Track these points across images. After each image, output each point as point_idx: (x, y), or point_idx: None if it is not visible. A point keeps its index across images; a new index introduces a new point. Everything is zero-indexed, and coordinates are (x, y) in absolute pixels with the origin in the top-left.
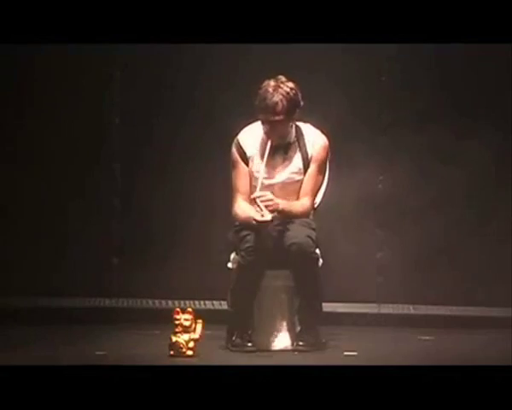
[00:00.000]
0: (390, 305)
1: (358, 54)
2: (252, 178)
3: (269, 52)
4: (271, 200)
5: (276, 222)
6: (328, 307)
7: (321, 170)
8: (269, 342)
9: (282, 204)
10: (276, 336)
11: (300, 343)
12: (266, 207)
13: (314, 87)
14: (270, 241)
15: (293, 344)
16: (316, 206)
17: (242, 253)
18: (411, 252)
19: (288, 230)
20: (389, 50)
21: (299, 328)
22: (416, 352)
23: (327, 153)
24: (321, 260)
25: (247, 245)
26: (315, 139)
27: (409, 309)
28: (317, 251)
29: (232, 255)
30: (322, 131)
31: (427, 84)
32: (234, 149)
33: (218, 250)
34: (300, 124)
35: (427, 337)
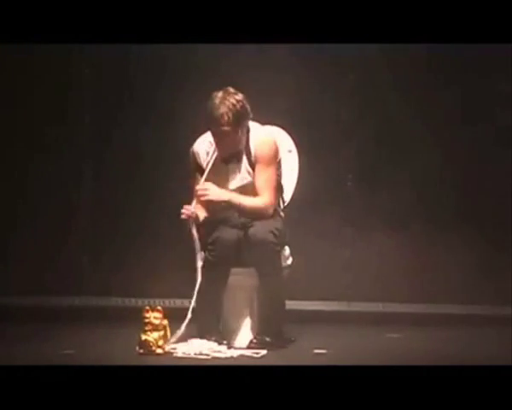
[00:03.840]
0: (359, 303)
1: (327, 54)
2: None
3: (239, 52)
4: (205, 189)
5: (242, 219)
6: (298, 305)
7: (267, 166)
8: (232, 341)
9: (231, 196)
10: (238, 335)
11: (254, 341)
12: (203, 199)
13: (279, 87)
14: (235, 236)
15: (250, 342)
16: (284, 205)
17: (209, 247)
18: (380, 250)
19: (252, 226)
20: (360, 50)
21: (259, 325)
22: (385, 350)
23: (270, 148)
24: (291, 259)
25: (213, 241)
26: (258, 137)
27: (378, 307)
28: (287, 248)
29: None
30: (290, 132)
31: (392, 86)
32: (190, 159)
33: (189, 248)
34: (250, 124)
35: (396, 335)
